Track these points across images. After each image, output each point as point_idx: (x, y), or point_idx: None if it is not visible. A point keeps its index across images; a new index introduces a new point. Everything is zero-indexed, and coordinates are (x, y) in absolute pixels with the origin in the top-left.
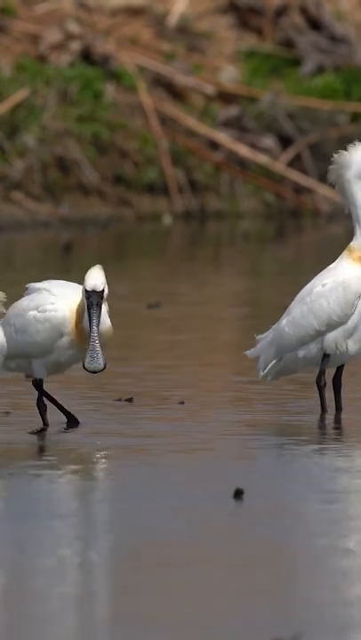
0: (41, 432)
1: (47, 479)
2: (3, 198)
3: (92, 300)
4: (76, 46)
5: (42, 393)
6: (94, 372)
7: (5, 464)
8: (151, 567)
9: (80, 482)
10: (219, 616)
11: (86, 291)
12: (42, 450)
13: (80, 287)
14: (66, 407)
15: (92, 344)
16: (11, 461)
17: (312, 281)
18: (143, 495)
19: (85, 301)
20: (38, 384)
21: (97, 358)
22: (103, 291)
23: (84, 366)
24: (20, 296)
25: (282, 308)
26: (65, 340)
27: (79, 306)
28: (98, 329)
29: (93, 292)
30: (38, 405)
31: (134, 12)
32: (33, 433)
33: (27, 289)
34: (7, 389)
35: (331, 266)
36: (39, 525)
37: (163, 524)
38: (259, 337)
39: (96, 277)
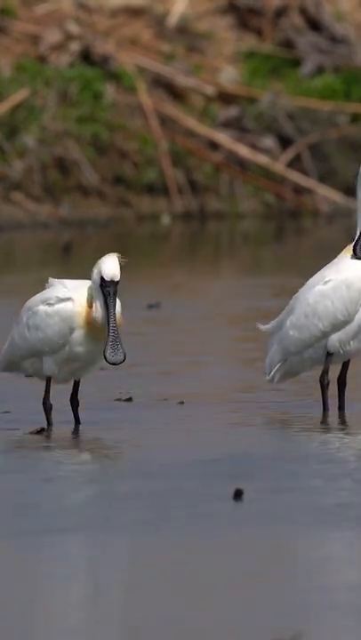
0: (41, 432)
1: (46, 479)
2: (3, 199)
3: (111, 289)
4: (75, 47)
5: (48, 391)
6: (115, 364)
7: (6, 463)
8: (150, 567)
9: (79, 482)
10: (219, 616)
11: (103, 280)
12: (41, 449)
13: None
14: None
15: (113, 335)
16: (11, 461)
17: (314, 277)
18: (142, 495)
19: (101, 290)
20: (47, 382)
21: (118, 350)
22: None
23: (105, 358)
24: (20, 296)
25: (282, 307)
26: (77, 335)
27: (89, 296)
28: (116, 319)
29: (112, 281)
30: (44, 404)
31: (134, 13)
32: (33, 433)
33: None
34: (7, 388)
35: (333, 261)
36: (40, 524)
37: (162, 524)
38: (263, 327)
39: (115, 266)
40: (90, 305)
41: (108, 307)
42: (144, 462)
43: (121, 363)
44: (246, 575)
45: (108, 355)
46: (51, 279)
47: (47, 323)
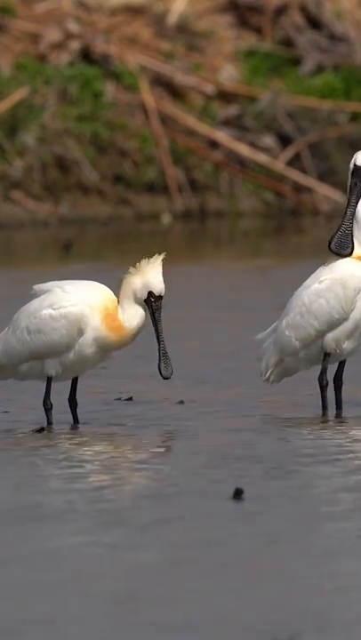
0: (41, 431)
1: (46, 478)
2: (3, 198)
3: (159, 304)
4: (75, 45)
5: (49, 391)
6: (167, 378)
7: (6, 463)
8: (150, 568)
9: (79, 481)
10: (218, 616)
11: (152, 294)
12: (41, 449)
13: (92, 284)
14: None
15: (164, 351)
16: (11, 460)
17: (310, 278)
18: (142, 495)
19: (148, 305)
20: (47, 382)
21: (168, 364)
22: None
23: (160, 373)
24: (20, 296)
25: (282, 305)
26: (88, 338)
27: (112, 300)
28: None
29: (160, 297)
30: (44, 404)
31: (134, 11)
32: (34, 432)
33: (32, 290)
34: (5, 388)
35: (328, 262)
36: (40, 523)
37: (161, 523)
38: (258, 336)
39: (162, 281)
40: (113, 308)
41: (156, 321)
42: (144, 461)
43: (171, 376)
44: (247, 575)
45: (162, 370)
46: (36, 286)
47: (53, 326)
